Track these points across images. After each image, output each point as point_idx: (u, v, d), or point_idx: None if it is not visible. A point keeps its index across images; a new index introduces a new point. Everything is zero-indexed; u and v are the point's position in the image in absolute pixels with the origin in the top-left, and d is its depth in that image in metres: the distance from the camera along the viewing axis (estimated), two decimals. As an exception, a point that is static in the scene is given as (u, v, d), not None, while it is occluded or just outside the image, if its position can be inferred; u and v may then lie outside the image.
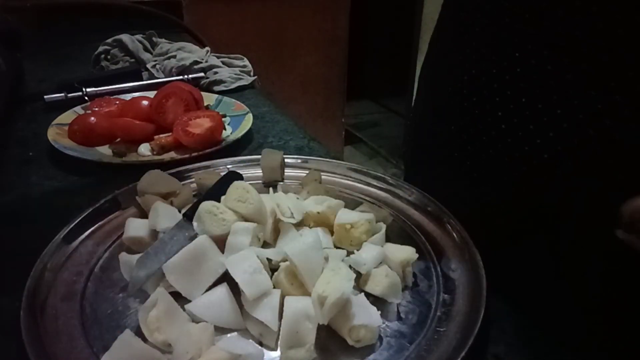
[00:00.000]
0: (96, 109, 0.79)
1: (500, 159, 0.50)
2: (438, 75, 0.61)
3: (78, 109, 0.81)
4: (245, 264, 0.39)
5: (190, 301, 0.39)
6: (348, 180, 0.59)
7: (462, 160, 0.56)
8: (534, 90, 0.46)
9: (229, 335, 0.38)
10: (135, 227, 0.47)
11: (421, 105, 0.66)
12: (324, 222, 0.47)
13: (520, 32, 0.46)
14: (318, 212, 0.47)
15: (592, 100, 0.42)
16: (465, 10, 0.54)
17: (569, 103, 0.44)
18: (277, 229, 0.46)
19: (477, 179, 0.54)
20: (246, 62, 1.08)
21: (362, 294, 0.39)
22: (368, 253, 0.43)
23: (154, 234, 0.46)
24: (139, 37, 1.12)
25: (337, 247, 0.46)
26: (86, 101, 0.85)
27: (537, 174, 0.47)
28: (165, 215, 0.47)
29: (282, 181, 0.59)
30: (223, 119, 0.74)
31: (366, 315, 0.36)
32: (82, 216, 0.49)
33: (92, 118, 0.73)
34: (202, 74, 0.99)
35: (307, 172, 0.58)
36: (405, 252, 0.43)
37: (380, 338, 0.37)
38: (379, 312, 0.38)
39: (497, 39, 0.49)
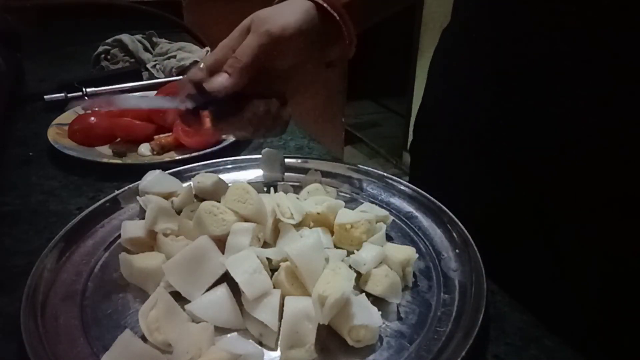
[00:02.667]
0: (96, 109, 0.79)
1: (502, 159, 0.50)
2: (446, 70, 0.60)
3: (78, 109, 0.81)
4: (245, 264, 0.39)
5: (190, 301, 0.39)
6: (348, 180, 0.59)
7: (462, 160, 0.56)
8: (537, 91, 0.46)
9: (229, 335, 0.38)
10: (132, 229, 0.47)
11: (428, 101, 0.65)
12: (324, 222, 0.47)
13: (537, 33, 0.45)
14: (318, 212, 0.47)
15: (594, 100, 0.42)
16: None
17: (570, 103, 0.44)
18: (277, 229, 0.46)
19: (477, 179, 0.54)
20: (246, 62, 1.07)
21: (362, 294, 0.39)
22: (368, 253, 0.43)
23: (152, 234, 0.46)
24: (139, 37, 1.12)
25: (337, 247, 0.46)
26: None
27: (538, 173, 0.47)
28: (163, 216, 0.47)
29: (282, 181, 0.59)
30: (223, 119, 0.74)
31: (366, 315, 0.36)
32: (82, 216, 0.49)
33: (92, 118, 0.73)
34: (202, 74, 0.99)
35: (307, 172, 0.58)
36: (405, 252, 0.43)
37: (380, 338, 0.37)
38: (379, 312, 0.38)
39: (506, 40, 0.48)
